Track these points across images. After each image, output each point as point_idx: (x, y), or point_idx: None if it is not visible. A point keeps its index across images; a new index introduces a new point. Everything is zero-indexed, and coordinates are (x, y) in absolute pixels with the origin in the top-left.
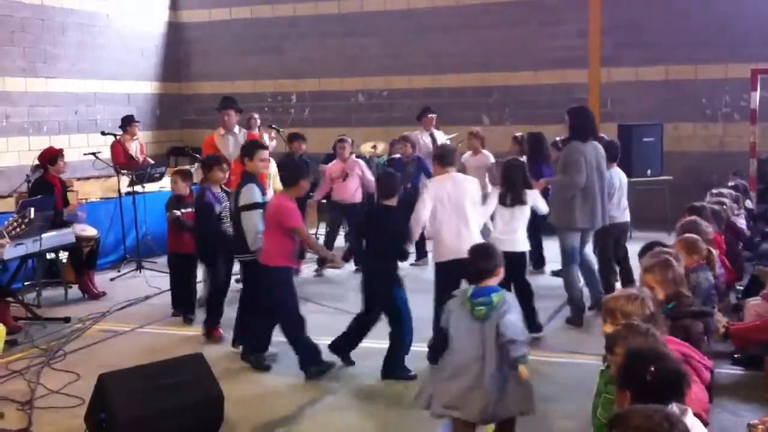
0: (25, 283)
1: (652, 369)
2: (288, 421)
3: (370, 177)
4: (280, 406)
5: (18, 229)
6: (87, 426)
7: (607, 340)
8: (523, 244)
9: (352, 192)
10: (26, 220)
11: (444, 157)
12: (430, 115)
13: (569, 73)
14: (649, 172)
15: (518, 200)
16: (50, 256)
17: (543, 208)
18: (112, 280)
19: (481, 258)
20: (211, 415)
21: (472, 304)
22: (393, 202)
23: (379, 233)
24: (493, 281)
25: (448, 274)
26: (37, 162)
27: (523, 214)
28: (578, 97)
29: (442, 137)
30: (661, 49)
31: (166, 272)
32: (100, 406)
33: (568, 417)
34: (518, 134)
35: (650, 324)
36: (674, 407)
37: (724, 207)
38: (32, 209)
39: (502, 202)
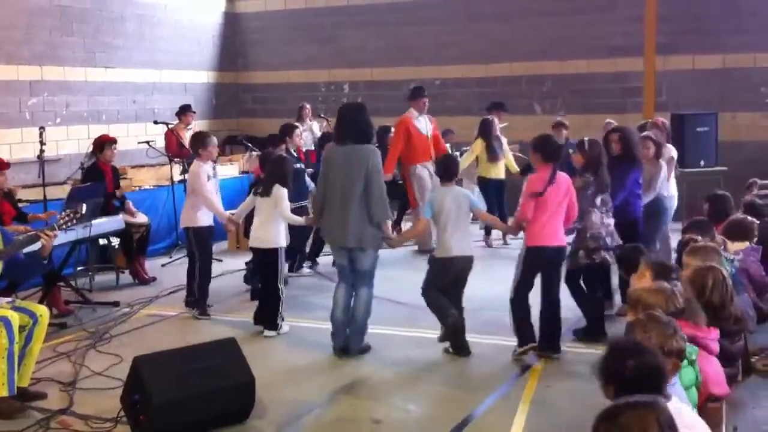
0: (79, 268)
1: (631, 364)
2: (319, 405)
3: None
4: (312, 390)
5: (69, 224)
6: (123, 407)
7: (626, 328)
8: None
9: None
10: (78, 216)
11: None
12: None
13: (624, 61)
14: (702, 162)
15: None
16: (103, 241)
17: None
18: (163, 266)
19: None
20: (242, 398)
21: None
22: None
23: None
24: None
25: None
26: (90, 149)
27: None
28: (633, 86)
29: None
30: (718, 36)
31: (216, 259)
32: (134, 388)
33: None
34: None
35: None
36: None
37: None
38: (84, 205)
39: None
